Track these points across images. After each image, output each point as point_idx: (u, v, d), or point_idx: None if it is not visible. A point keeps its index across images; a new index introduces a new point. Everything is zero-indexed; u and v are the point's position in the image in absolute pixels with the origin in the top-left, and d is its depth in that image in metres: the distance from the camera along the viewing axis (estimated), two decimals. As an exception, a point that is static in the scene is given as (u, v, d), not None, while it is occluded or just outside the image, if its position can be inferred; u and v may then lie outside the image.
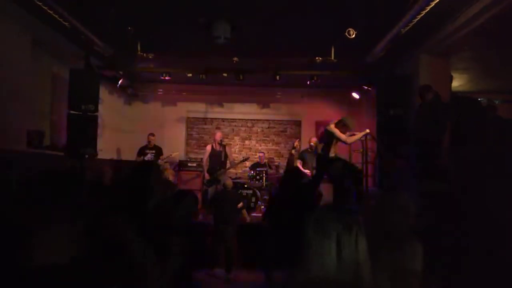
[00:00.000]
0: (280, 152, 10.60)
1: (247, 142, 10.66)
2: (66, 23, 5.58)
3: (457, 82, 7.89)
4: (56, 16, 5.34)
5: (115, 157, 9.33)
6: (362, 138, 6.62)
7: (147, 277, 1.79)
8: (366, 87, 8.35)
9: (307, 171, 7.70)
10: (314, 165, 7.68)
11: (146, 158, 8.58)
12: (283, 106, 10.42)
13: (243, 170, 9.73)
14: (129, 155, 8.89)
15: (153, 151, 8.71)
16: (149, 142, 8.75)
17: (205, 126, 10.72)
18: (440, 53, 6.30)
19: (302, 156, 8.13)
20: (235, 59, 7.32)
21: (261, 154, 9.52)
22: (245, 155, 10.17)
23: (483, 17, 4.81)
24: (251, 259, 5.95)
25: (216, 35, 5.75)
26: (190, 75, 8.18)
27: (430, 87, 5.68)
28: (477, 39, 5.68)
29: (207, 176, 8.31)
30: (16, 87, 5.42)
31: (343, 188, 4.16)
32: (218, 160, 8.32)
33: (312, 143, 8.03)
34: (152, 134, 8.83)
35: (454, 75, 7.15)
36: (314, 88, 9.29)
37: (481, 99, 8.21)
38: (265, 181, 8.68)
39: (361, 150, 7.18)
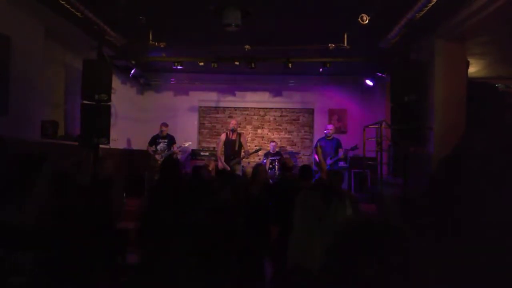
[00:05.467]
0: (293, 141, 10.56)
1: (259, 131, 10.63)
2: (78, 13, 5.59)
3: (474, 68, 7.73)
4: (68, 6, 5.35)
5: (127, 146, 9.42)
6: None
7: None
8: (380, 74, 8.24)
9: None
10: (332, 152, 7.66)
11: (158, 147, 8.61)
12: (296, 94, 10.34)
13: (257, 160, 9.71)
14: (142, 144, 8.95)
15: (166, 140, 8.69)
16: (161, 131, 8.75)
17: (217, 115, 10.71)
18: (456, 38, 6.14)
19: (319, 145, 8.06)
20: (247, 47, 7.25)
21: (272, 144, 9.49)
22: (257, 144, 10.18)
23: (500, 0, 4.67)
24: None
25: (226, 22, 5.67)
26: (202, 63, 8.14)
27: None
28: (494, 23, 5.52)
29: (220, 165, 8.08)
30: (30, 77, 5.47)
31: None
32: (232, 149, 8.16)
33: (327, 131, 7.93)
34: (165, 125, 8.79)
35: (471, 60, 7.00)
36: (327, 75, 9.22)
37: (498, 85, 8.04)
38: (277, 170, 8.65)
39: (376, 138, 7.11)
